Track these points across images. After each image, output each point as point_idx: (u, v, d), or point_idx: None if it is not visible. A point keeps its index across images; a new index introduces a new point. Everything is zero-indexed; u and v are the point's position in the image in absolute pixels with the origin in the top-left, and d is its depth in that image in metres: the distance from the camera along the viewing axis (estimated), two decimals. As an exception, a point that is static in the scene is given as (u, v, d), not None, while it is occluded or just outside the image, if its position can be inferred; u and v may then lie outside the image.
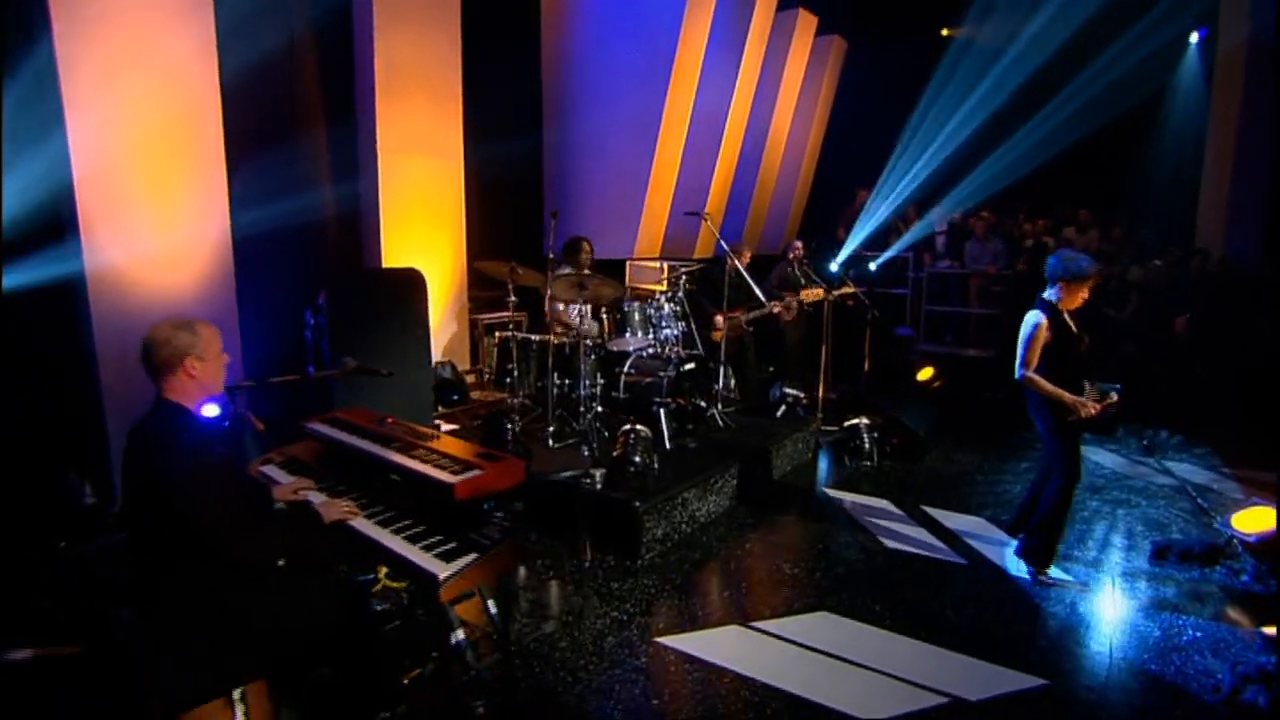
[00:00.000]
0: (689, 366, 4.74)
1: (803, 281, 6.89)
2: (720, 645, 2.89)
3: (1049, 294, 3.38)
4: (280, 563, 1.97)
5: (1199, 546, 3.76)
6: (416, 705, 2.34)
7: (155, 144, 3.81)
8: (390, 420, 2.85)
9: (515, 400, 4.73)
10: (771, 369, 5.94)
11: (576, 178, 6.98)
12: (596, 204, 6.85)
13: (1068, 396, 3.28)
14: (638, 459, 3.82)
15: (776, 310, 6.18)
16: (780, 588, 3.41)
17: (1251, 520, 3.62)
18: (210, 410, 2.43)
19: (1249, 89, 7.59)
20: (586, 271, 4.64)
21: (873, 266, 8.74)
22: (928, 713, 2.49)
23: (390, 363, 3.43)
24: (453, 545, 2.02)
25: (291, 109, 4.80)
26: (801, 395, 5.55)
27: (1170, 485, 4.83)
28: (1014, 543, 3.70)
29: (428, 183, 5.47)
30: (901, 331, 8.94)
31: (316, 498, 2.32)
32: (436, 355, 5.56)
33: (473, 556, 1.95)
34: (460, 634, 2.36)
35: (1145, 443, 5.63)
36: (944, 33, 10.64)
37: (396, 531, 2.12)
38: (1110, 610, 3.22)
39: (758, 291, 5.72)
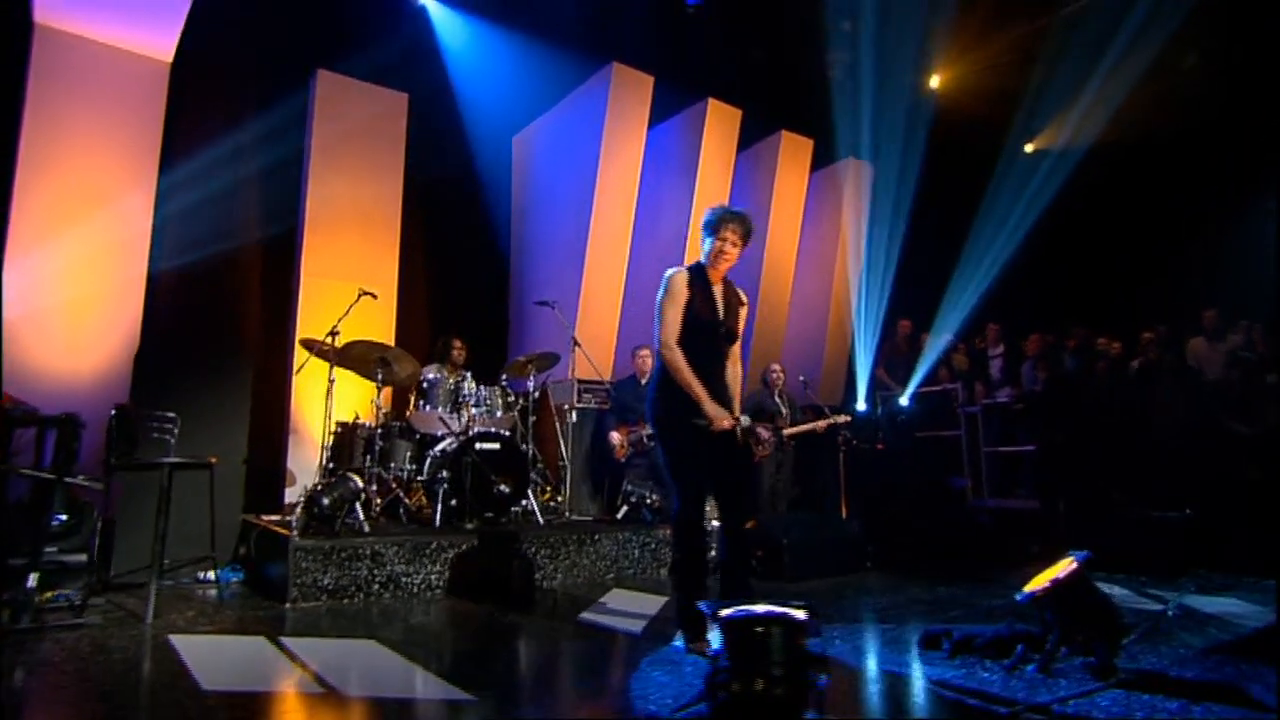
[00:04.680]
0: (487, 446, 4.75)
1: (783, 411, 6.55)
2: (219, 649, 2.80)
3: (702, 254, 2.98)
4: None
5: (991, 634, 2.60)
6: None
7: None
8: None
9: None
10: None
11: (528, 312, 7.78)
12: (537, 331, 7.49)
13: (703, 393, 2.72)
14: (325, 501, 3.90)
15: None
16: (381, 628, 3.11)
17: (1044, 576, 2.47)
18: None
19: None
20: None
21: (903, 401, 7.76)
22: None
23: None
24: None
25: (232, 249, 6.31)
26: (650, 497, 5.00)
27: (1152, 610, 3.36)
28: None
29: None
30: (957, 483, 7.48)
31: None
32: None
33: None
34: None
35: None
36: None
37: None
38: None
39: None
